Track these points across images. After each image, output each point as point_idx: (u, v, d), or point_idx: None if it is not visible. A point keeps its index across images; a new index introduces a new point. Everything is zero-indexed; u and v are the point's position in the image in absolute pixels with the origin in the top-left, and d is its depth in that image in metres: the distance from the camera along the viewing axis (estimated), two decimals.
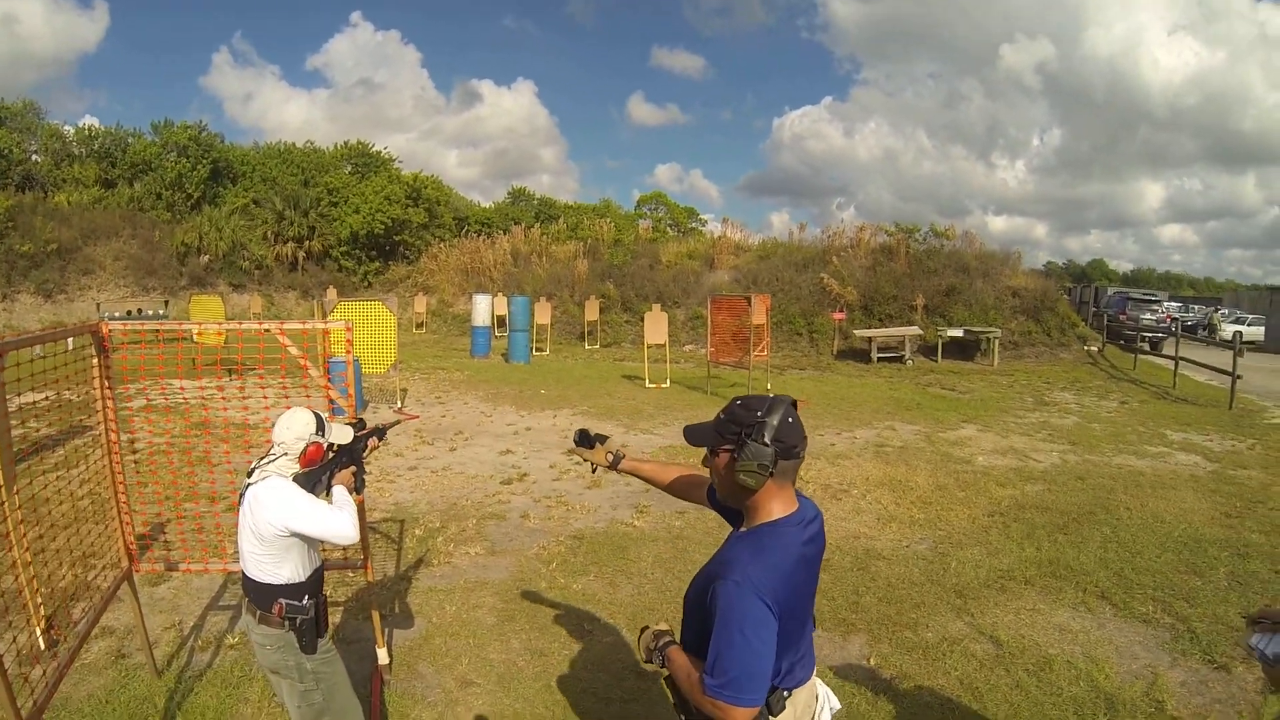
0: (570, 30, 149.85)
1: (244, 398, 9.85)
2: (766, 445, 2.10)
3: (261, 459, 3.38)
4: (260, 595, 3.27)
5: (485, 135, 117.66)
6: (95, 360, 4.33)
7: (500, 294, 26.07)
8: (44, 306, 28.59)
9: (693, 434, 2.37)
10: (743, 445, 2.12)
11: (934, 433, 12.02)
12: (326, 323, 4.58)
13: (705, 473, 2.70)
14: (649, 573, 6.38)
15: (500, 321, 24.30)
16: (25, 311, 27.95)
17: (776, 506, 2.21)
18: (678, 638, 2.39)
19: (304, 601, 3.29)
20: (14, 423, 5.92)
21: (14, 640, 3.87)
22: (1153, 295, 31.20)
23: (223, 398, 9.61)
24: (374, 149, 43.34)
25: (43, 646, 4.63)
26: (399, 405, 13.89)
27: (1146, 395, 16.34)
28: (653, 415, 13.34)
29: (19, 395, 4.31)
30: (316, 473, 3.45)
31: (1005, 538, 7.18)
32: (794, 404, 2.21)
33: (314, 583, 3.38)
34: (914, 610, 5.69)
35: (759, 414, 2.15)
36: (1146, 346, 22.70)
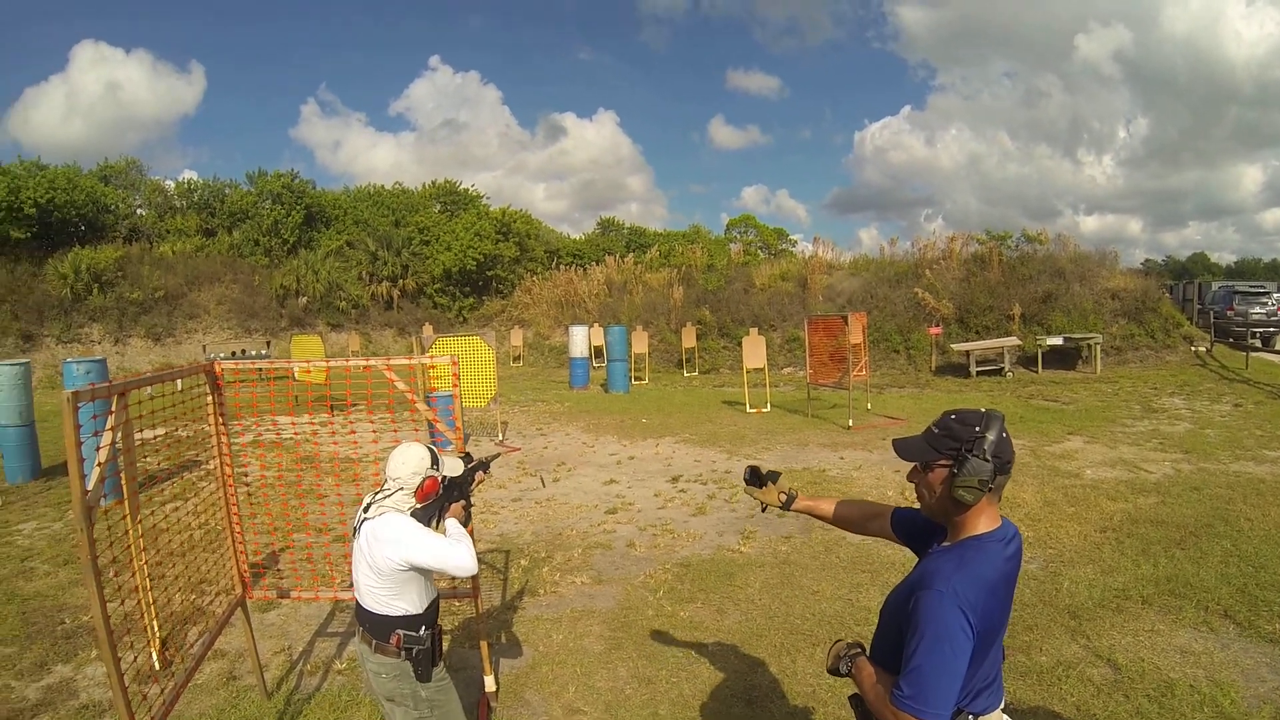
0: (645, 59, 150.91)
1: (350, 433, 10.01)
2: (986, 461, 2.09)
3: (376, 494, 3.40)
4: (377, 627, 3.30)
5: (570, 168, 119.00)
6: (210, 397, 4.46)
7: (596, 324, 26.15)
8: (154, 349, 29.95)
9: (904, 448, 2.30)
10: (963, 461, 2.12)
11: (1039, 446, 11.56)
12: (431, 358, 4.60)
13: (880, 505, 2.80)
14: (756, 599, 6.25)
15: (598, 352, 24.37)
16: (136, 354, 29.33)
17: (982, 522, 2.19)
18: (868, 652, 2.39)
19: (421, 632, 3.33)
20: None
21: (134, 660, 3.96)
22: (1260, 287, 29.53)
23: (330, 434, 9.79)
24: (461, 187, 44.19)
25: (158, 666, 4.79)
26: (500, 438, 13.97)
27: (1262, 396, 15.48)
28: (755, 440, 13.15)
29: (138, 431, 4.49)
30: (430, 507, 3.48)
31: (1119, 554, 6.83)
32: (1002, 417, 2.19)
33: (430, 614, 3.42)
34: (1026, 633, 5.43)
35: (976, 429, 2.13)
36: (1258, 343, 21.50)
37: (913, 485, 2.33)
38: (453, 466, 3.59)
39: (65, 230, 33.26)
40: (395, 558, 3.19)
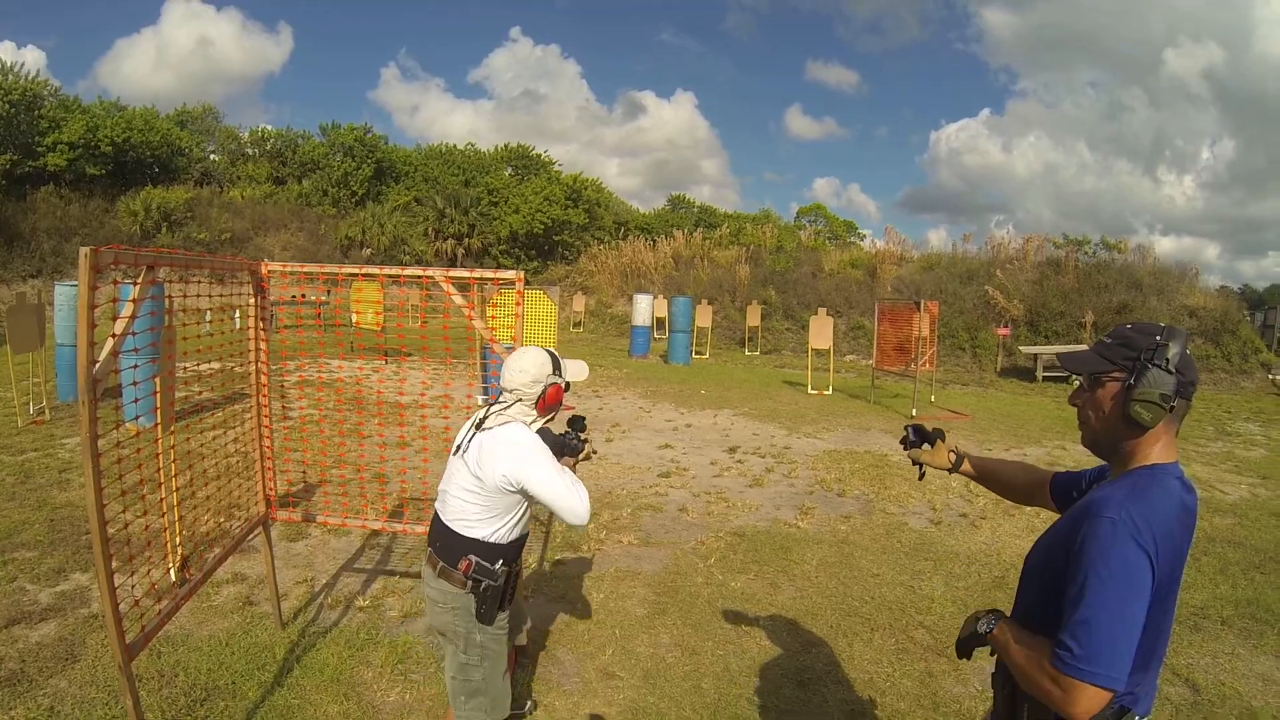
0: (727, 44, 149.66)
1: (400, 380, 9.82)
2: (1169, 373, 1.76)
3: (490, 407, 3.03)
4: (451, 545, 2.92)
5: (646, 146, 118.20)
6: (252, 300, 4.31)
7: (661, 295, 25.87)
8: (216, 289, 30.44)
9: (1071, 360, 1.97)
10: (1142, 371, 1.78)
11: None
12: (497, 273, 4.28)
13: (1042, 471, 2.45)
14: (812, 576, 5.86)
15: (660, 323, 24.14)
16: (199, 291, 29.88)
17: (1157, 451, 1.84)
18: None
19: (496, 566, 2.92)
20: (180, 386, 6.09)
21: (149, 573, 3.74)
22: None
23: (380, 380, 9.60)
24: (534, 151, 44.11)
25: (174, 579, 4.57)
26: None
27: None
28: (815, 420, 12.75)
29: (194, 364, 4.36)
30: (564, 443, 3.25)
31: (1196, 571, 6.32)
32: (1189, 336, 1.90)
33: (513, 550, 3.03)
34: None
35: (1157, 338, 1.80)
36: None
37: (1075, 410, 1.98)
38: (576, 371, 3.26)
39: (139, 170, 34.16)
40: (510, 474, 2.82)
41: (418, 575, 5.45)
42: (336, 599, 5.07)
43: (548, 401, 3.02)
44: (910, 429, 2.79)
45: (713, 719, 3.98)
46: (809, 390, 16.27)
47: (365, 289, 20.08)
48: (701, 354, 23.30)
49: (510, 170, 42.79)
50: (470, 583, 2.88)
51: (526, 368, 2.98)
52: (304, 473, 7.09)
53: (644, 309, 22.14)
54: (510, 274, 4.18)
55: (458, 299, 4.09)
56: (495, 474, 2.82)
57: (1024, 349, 21.77)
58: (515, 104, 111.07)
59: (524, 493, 2.88)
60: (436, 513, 3.04)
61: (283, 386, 11.42)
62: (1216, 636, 5.17)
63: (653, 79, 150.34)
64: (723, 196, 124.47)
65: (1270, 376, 20.76)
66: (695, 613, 5.15)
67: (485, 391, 12.39)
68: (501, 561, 2.94)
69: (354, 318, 19.04)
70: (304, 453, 7.21)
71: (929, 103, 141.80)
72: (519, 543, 3.08)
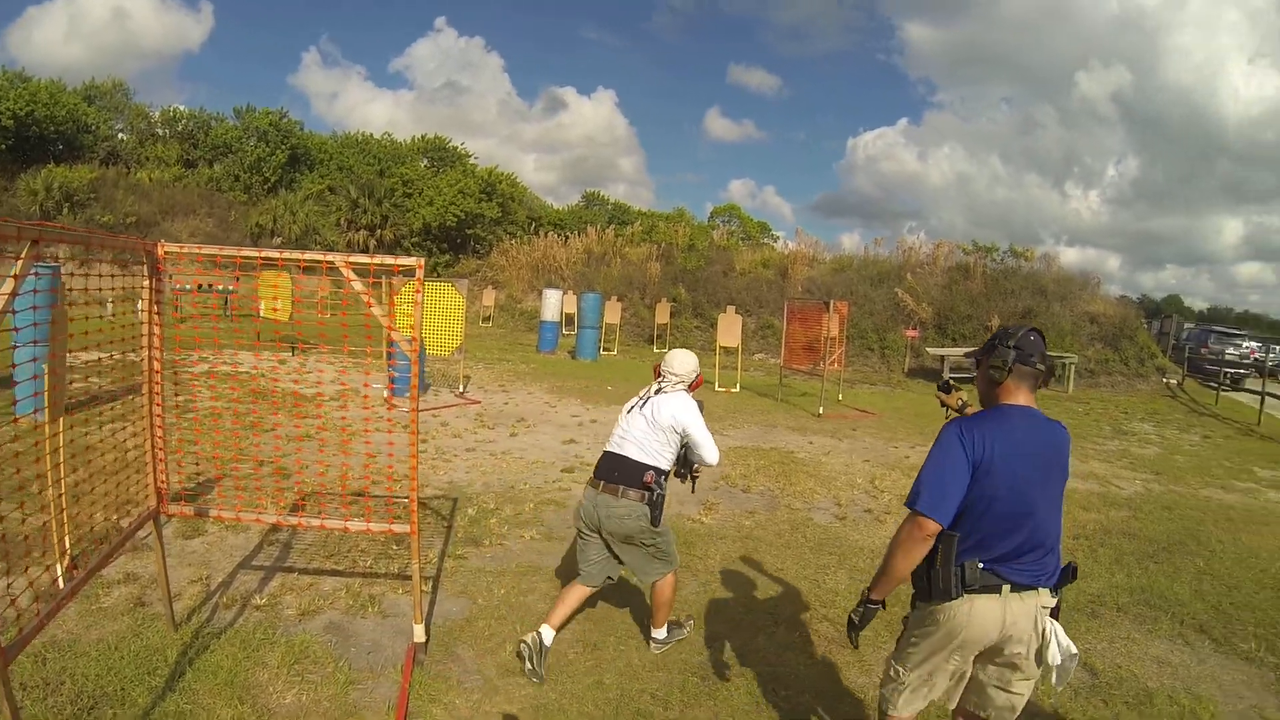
0: (651, 44, 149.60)
1: (307, 372, 9.58)
2: (1009, 348, 2.81)
3: (659, 386, 4.52)
4: (632, 471, 4.29)
5: (564, 142, 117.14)
6: (146, 282, 4.22)
7: (571, 291, 25.79)
8: (120, 276, 29.33)
9: (971, 352, 3.17)
10: (992, 349, 2.87)
11: None
12: (397, 259, 4.25)
13: None
14: (716, 571, 5.95)
15: (569, 319, 24.08)
16: (101, 280, 28.73)
17: (1011, 400, 2.85)
18: None
19: (663, 482, 4.40)
20: (76, 377, 5.81)
21: (26, 571, 3.57)
22: (1236, 331, 30.01)
23: (287, 371, 9.36)
24: (450, 143, 43.51)
25: (62, 584, 4.38)
26: (461, 390, 13.57)
27: (1230, 431, 15.49)
28: (722, 417, 12.84)
29: (85, 350, 4.20)
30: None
31: (1093, 561, 6.68)
32: (1038, 331, 2.89)
33: (667, 476, 4.47)
34: None
35: (1009, 329, 2.88)
36: (1229, 383, 21.51)
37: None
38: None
39: (42, 146, 32.60)
40: (679, 417, 4.33)
41: (316, 571, 5.41)
42: (232, 598, 4.93)
43: (696, 384, 4.62)
44: (943, 381, 3.94)
45: (615, 714, 4.00)
46: (716, 388, 16.51)
47: (277, 280, 19.60)
48: (610, 350, 23.39)
49: (426, 162, 42.11)
50: (647, 494, 4.27)
51: (688, 361, 4.61)
52: (198, 465, 6.91)
53: (553, 304, 22.13)
54: (410, 261, 4.16)
55: (357, 285, 4.06)
56: (669, 417, 4.32)
57: (932, 350, 22.43)
58: (436, 95, 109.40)
59: (684, 433, 4.35)
60: (612, 453, 4.42)
61: (185, 377, 11.11)
62: (1113, 623, 5.46)
63: (575, 75, 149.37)
64: (638, 195, 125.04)
65: (1164, 380, 21.82)
66: (597, 609, 5.16)
67: (393, 380, 12.29)
68: (664, 479, 4.42)
69: (260, 307, 18.57)
70: (202, 444, 7.02)
71: (848, 110, 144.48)
72: (669, 473, 4.48)
